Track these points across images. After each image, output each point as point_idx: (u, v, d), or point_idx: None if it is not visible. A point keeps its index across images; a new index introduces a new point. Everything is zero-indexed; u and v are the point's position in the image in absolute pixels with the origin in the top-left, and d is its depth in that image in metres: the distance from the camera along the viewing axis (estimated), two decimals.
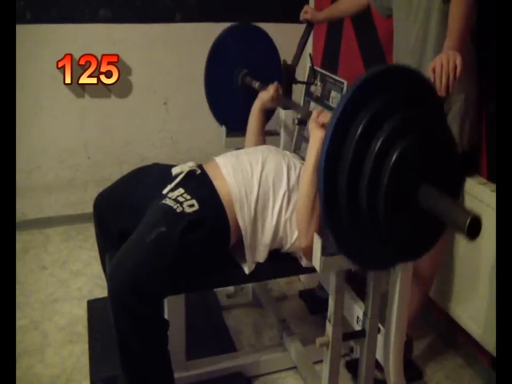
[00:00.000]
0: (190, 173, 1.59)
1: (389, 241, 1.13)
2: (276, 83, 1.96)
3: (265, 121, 2.04)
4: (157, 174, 1.66)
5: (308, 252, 1.47)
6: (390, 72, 1.13)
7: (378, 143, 1.06)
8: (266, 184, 1.57)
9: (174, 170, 1.60)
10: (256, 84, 2.06)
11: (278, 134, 2.22)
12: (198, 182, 1.57)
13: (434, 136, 1.13)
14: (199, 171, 1.60)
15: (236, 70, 2.14)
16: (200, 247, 1.45)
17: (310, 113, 1.57)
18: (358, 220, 1.12)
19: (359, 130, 1.06)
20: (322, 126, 1.49)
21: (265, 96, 1.95)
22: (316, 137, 1.49)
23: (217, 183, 1.56)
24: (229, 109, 2.15)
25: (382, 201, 1.07)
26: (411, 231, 1.14)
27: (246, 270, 1.56)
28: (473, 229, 0.95)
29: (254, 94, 2.02)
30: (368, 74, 1.08)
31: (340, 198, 1.10)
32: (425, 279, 1.81)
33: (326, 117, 1.49)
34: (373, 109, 1.07)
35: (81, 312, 2.16)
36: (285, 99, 2.00)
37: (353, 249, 1.19)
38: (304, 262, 1.56)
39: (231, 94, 2.15)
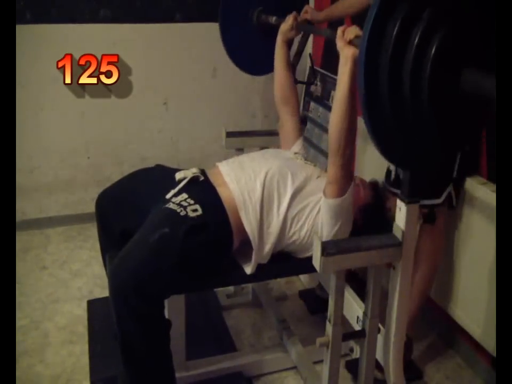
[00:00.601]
0: (193, 179, 1.59)
1: (432, 131, 1.08)
2: (293, 12, 1.92)
3: (290, 55, 1.99)
4: (160, 177, 1.67)
5: (342, 174, 1.45)
6: None
7: (419, 33, 1.01)
8: (271, 186, 1.57)
9: (178, 176, 1.60)
10: (272, 19, 2.01)
11: (277, 134, 2.22)
12: (201, 188, 1.58)
13: (473, 21, 1.09)
14: (202, 177, 1.61)
15: (250, 8, 2.08)
16: (203, 249, 1.46)
17: (334, 33, 1.46)
18: (400, 113, 1.06)
19: (398, 23, 1.01)
20: (350, 42, 1.39)
21: (284, 27, 1.90)
22: (346, 55, 1.37)
23: (220, 190, 1.57)
24: (247, 51, 2.10)
25: (426, 88, 1.02)
26: (454, 120, 1.09)
27: (248, 270, 1.57)
28: None
29: (270, 34, 1.97)
30: None
31: (382, 91, 1.05)
32: (425, 279, 1.81)
33: (353, 32, 1.38)
34: (406, 5, 1.02)
35: (81, 312, 2.16)
36: (304, 26, 1.92)
37: (393, 146, 1.13)
38: (327, 195, 1.50)
39: (247, 35, 2.10)
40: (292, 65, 2.15)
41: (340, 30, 1.42)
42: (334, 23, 2.67)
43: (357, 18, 2.42)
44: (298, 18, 1.92)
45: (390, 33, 1.03)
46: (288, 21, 1.90)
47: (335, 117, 1.42)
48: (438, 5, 1.05)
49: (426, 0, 1.05)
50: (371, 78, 1.05)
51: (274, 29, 1.97)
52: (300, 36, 2.24)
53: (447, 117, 1.10)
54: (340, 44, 1.41)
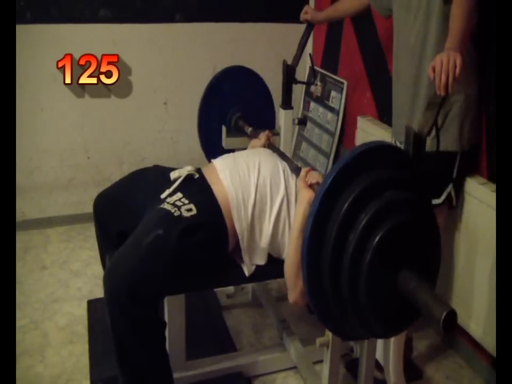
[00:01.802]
0: (188, 178, 1.59)
1: (368, 320, 1.13)
2: (267, 132, 1.93)
3: None
4: (156, 177, 1.66)
5: (297, 304, 1.52)
6: (378, 149, 1.14)
7: (362, 224, 1.07)
8: (264, 189, 1.56)
9: (173, 175, 1.60)
10: (248, 130, 2.06)
11: (278, 134, 2.22)
12: (197, 187, 1.57)
13: (417, 221, 1.14)
14: (197, 175, 1.60)
15: (229, 112, 2.17)
16: (197, 250, 1.45)
17: (299, 170, 1.57)
18: (341, 299, 1.12)
19: (343, 211, 1.07)
20: (310, 186, 1.49)
21: (256, 144, 1.92)
22: (303, 197, 1.49)
23: (215, 188, 1.56)
24: (222, 150, 2.13)
25: (363, 284, 1.08)
26: (391, 310, 1.15)
27: (246, 272, 1.57)
28: (449, 322, 0.97)
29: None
30: (356, 152, 1.09)
31: (323, 276, 1.11)
32: None
33: (315, 177, 1.50)
34: (358, 188, 1.07)
35: (81, 312, 2.16)
36: (275, 148, 1.91)
37: (333, 322, 1.19)
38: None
39: (221, 135, 2.19)
40: (292, 66, 2.16)
41: (303, 171, 1.53)
42: (334, 23, 2.69)
43: (357, 19, 2.44)
44: (271, 139, 1.92)
45: (333, 224, 1.08)
46: (261, 139, 1.91)
47: (289, 252, 1.50)
48: (385, 199, 1.09)
49: (373, 192, 1.09)
50: (313, 263, 1.10)
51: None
52: (300, 36, 2.25)
53: (383, 307, 1.14)
54: (300, 184, 1.52)
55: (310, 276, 1.11)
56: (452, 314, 0.97)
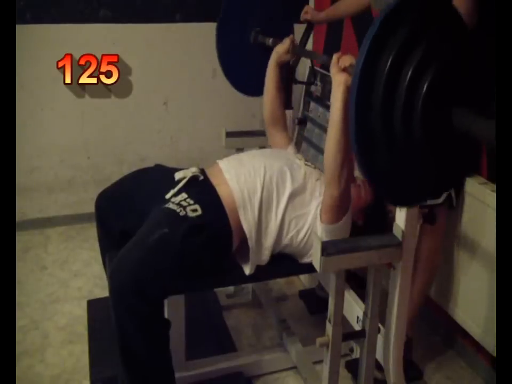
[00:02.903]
0: (193, 179, 1.59)
1: (425, 167, 1.07)
2: (291, 35, 1.88)
3: (282, 78, 1.95)
4: (159, 177, 1.66)
5: (338, 203, 1.43)
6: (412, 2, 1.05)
7: (409, 73, 1.00)
8: (270, 186, 1.56)
9: (177, 175, 1.60)
10: (269, 41, 1.99)
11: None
12: (201, 188, 1.57)
13: (463, 59, 1.09)
14: (201, 177, 1.60)
15: (247, 28, 2.07)
16: (202, 250, 1.46)
17: (330, 59, 1.46)
18: (393, 150, 1.05)
19: (388, 63, 1.00)
20: (344, 70, 1.39)
21: (280, 48, 1.87)
22: (339, 81, 1.37)
23: (220, 189, 1.56)
24: (244, 71, 2.08)
25: (418, 127, 1.02)
26: (448, 156, 1.09)
27: (247, 271, 1.57)
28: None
29: (267, 55, 1.93)
30: (390, 6, 1.00)
31: (374, 129, 1.03)
32: (425, 279, 1.81)
33: (347, 60, 1.39)
34: (399, 40, 1.01)
35: (81, 312, 2.16)
36: (301, 50, 1.90)
37: (386, 182, 1.11)
38: (322, 221, 1.49)
39: (245, 56, 2.08)
40: (292, 66, 2.16)
41: (335, 56, 1.42)
42: (334, 23, 2.69)
43: (357, 19, 2.44)
44: (296, 43, 1.89)
45: (383, 68, 1.02)
46: (285, 43, 1.86)
47: (329, 144, 1.39)
48: (427, 44, 1.04)
49: (421, 36, 1.04)
50: (363, 120, 1.03)
51: (271, 51, 1.93)
52: (300, 36, 2.25)
53: (439, 152, 1.09)
54: (333, 70, 1.41)
55: (359, 117, 1.02)
56: None
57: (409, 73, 1.02)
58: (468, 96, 1.08)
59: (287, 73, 2.13)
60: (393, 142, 1.05)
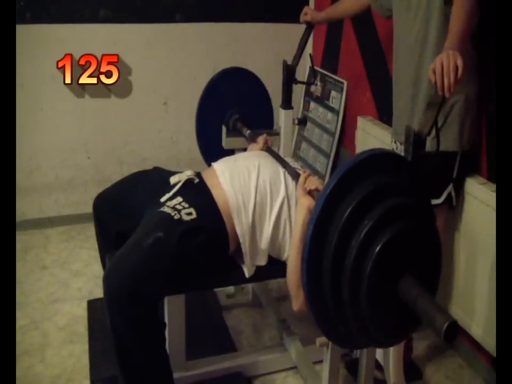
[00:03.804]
0: (188, 182, 1.59)
1: (368, 328, 1.13)
2: (264, 135, 1.91)
3: None
4: (156, 180, 1.66)
5: (302, 311, 1.49)
6: (380, 157, 1.13)
7: (364, 231, 1.06)
8: (264, 190, 1.56)
9: (172, 179, 1.60)
10: (246, 132, 2.05)
11: (278, 134, 2.22)
12: (196, 191, 1.57)
13: (419, 228, 1.14)
14: (197, 180, 1.61)
15: (227, 113, 2.16)
16: (197, 253, 1.46)
17: (297, 175, 1.55)
18: (341, 305, 1.11)
19: (344, 218, 1.06)
20: (309, 192, 1.48)
21: (254, 148, 1.91)
22: (303, 205, 1.48)
23: (215, 192, 1.56)
24: (220, 152, 2.10)
25: (365, 290, 1.07)
26: (392, 317, 1.14)
27: (246, 273, 1.57)
28: (450, 333, 0.96)
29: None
30: (357, 159, 1.09)
31: (324, 283, 1.11)
32: None
33: (313, 183, 1.48)
34: (359, 195, 1.07)
35: (81, 312, 2.16)
36: (269, 150, 1.90)
37: (332, 330, 1.18)
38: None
39: (221, 137, 2.18)
40: (292, 66, 2.16)
41: (302, 177, 1.51)
42: (334, 24, 2.69)
43: (357, 19, 2.44)
44: (269, 142, 1.90)
45: (334, 232, 1.07)
46: (259, 143, 1.89)
47: (290, 261, 1.50)
48: (387, 205, 1.09)
49: (374, 199, 1.08)
50: (314, 272, 1.10)
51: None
52: (300, 36, 2.25)
53: (384, 316, 1.14)
54: (299, 191, 1.50)
55: (310, 283, 1.10)
56: (453, 325, 0.96)
57: (363, 233, 1.07)
58: (416, 265, 1.13)
59: (287, 73, 2.14)
60: (341, 306, 1.11)
